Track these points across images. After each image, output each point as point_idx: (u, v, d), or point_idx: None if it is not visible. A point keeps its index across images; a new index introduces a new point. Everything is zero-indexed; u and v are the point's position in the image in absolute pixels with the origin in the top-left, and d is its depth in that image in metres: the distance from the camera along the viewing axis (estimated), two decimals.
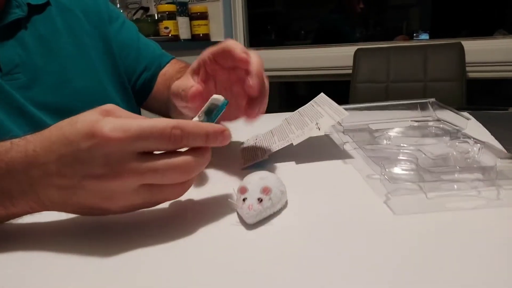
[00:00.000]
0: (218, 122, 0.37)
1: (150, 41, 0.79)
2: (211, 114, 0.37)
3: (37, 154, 0.32)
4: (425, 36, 2.08)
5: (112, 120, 0.31)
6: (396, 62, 1.73)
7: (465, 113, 0.49)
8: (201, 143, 0.33)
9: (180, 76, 0.52)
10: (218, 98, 0.38)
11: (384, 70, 1.74)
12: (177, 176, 0.32)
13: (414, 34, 2.11)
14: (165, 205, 0.39)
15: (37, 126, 0.57)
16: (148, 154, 0.32)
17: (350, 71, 1.83)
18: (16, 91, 0.56)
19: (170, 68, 0.75)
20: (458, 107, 0.53)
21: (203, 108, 0.38)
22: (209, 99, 0.38)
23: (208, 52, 0.45)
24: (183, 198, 0.41)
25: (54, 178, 0.32)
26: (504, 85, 2.07)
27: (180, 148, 0.33)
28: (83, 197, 0.32)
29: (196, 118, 0.38)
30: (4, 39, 0.56)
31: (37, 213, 0.36)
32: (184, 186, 0.34)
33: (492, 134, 0.57)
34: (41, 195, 0.33)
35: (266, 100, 0.45)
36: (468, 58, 1.64)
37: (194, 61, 0.47)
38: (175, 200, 0.40)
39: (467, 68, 1.66)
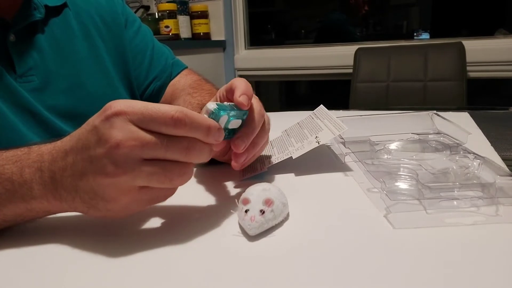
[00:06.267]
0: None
1: (164, 47, 0.78)
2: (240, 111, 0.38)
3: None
4: (425, 35, 2.07)
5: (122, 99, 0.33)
6: (397, 61, 1.73)
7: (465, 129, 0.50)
8: (202, 135, 0.33)
9: (195, 102, 0.58)
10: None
11: (384, 69, 1.74)
12: (180, 152, 0.32)
13: (415, 34, 2.10)
14: (166, 214, 0.40)
15: (48, 129, 0.58)
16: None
17: (350, 71, 1.82)
18: (29, 93, 0.56)
19: (181, 79, 0.74)
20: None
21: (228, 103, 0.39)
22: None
23: (223, 87, 0.44)
24: (185, 208, 0.41)
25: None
26: (504, 85, 2.06)
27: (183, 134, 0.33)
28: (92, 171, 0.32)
29: (213, 104, 0.37)
30: (20, 41, 0.56)
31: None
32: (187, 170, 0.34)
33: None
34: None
35: (257, 149, 0.43)
36: (468, 58, 1.64)
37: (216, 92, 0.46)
38: (177, 210, 0.40)
39: (468, 68, 1.66)
